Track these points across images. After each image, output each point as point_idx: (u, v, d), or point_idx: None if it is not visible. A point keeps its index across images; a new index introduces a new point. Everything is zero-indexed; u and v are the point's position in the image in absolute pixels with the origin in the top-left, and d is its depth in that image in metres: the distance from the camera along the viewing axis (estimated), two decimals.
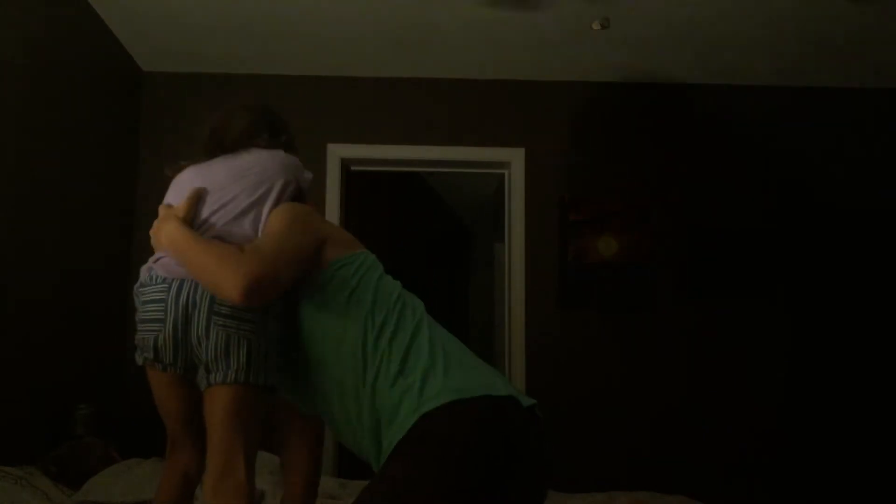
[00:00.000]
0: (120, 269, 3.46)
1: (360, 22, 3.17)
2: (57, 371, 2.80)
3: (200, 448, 1.50)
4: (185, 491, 1.53)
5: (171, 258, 1.38)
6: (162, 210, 1.42)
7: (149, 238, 1.43)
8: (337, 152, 3.64)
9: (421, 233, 5.59)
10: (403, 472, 1.14)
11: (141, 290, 1.40)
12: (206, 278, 1.27)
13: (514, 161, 3.72)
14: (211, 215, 1.41)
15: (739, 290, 3.64)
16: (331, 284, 1.35)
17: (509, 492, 1.16)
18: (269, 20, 3.17)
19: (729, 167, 3.74)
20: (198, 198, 1.40)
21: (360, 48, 3.43)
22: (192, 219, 1.38)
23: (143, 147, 3.66)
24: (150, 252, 1.46)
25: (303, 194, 1.57)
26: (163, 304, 1.34)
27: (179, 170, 1.53)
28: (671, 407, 3.58)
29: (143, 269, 1.42)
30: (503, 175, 3.90)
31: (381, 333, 1.30)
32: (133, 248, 3.56)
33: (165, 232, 1.35)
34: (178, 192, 1.48)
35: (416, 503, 1.10)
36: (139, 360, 1.42)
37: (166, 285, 1.35)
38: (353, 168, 3.80)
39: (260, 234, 1.40)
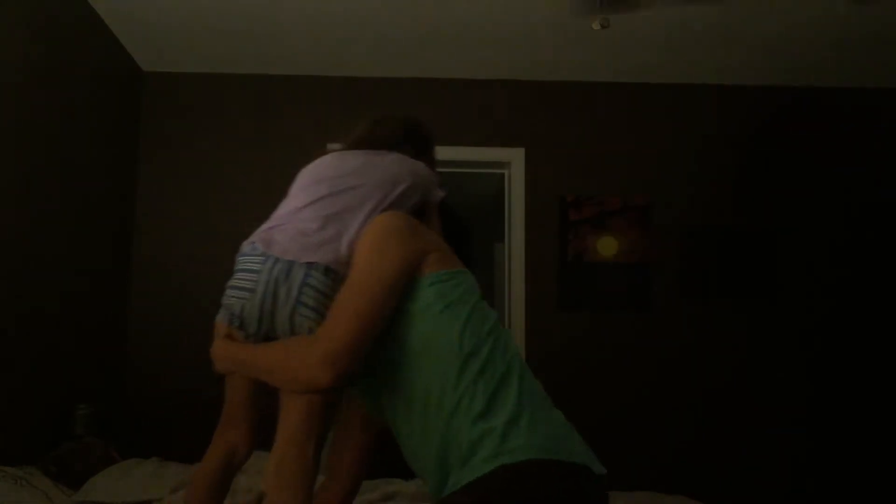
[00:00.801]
0: (120, 270, 3.46)
1: (361, 22, 3.17)
2: (57, 371, 2.80)
3: (252, 433, 1.47)
4: (226, 473, 1.47)
5: (273, 232, 1.39)
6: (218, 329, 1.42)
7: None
8: None
9: None
10: None
11: (240, 258, 1.41)
12: (283, 376, 1.26)
13: (514, 161, 3.72)
14: (330, 195, 1.42)
15: (739, 290, 3.64)
16: (421, 300, 1.28)
17: None
18: (269, 20, 3.17)
19: (729, 167, 3.74)
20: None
21: (360, 48, 3.43)
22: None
23: (143, 147, 3.66)
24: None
25: (428, 210, 1.55)
26: (255, 276, 1.35)
27: (326, 152, 1.59)
28: (671, 407, 3.57)
29: (245, 242, 1.43)
30: (503, 175, 3.90)
31: (467, 364, 1.23)
32: (133, 248, 3.56)
33: (218, 351, 1.37)
34: (317, 166, 1.53)
35: None
36: (221, 319, 1.41)
37: (263, 258, 1.35)
38: None
39: (354, 237, 1.37)
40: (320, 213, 1.40)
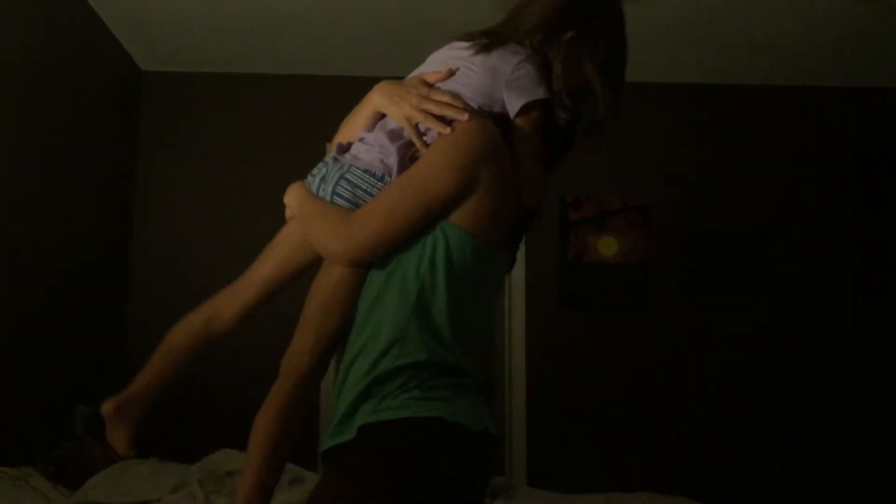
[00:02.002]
0: (120, 269, 3.46)
1: (360, 22, 3.17)
2: (57, 371, 2.80)
3: (241, 311, 1.43)
4: (200, 335, 1.46)
5: (353, 146, 1.39)
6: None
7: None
8: None
9: None
10: (337, 489, 1.14)
11: None
12: (318, 243, 1.28)
13: None
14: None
15: (739, 290, 3.64)
16: (405, 247, 1.20)
17: None
18: (269, 20, 3.16)
19: (729, 167, 3.74)
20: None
21: (360, 48, 3.42)
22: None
23: (143, 147, 3.65)
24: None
25: (513, 132, 1.23)
26: (314, 175, 1.40)
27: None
28: (671, 407, 3.57)
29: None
30: None
31: (389, 349, 1.19)
32: (132, 247, 3.55)
33: (294, 188, 1.38)
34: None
35: None
36: None
37: (325, 163, 1.39)
38: None
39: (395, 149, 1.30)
40: (378, 127, 1.38)
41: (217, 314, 1.44)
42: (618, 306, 3.62)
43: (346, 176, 1.33)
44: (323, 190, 1.36)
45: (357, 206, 1.29)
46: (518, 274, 3.63)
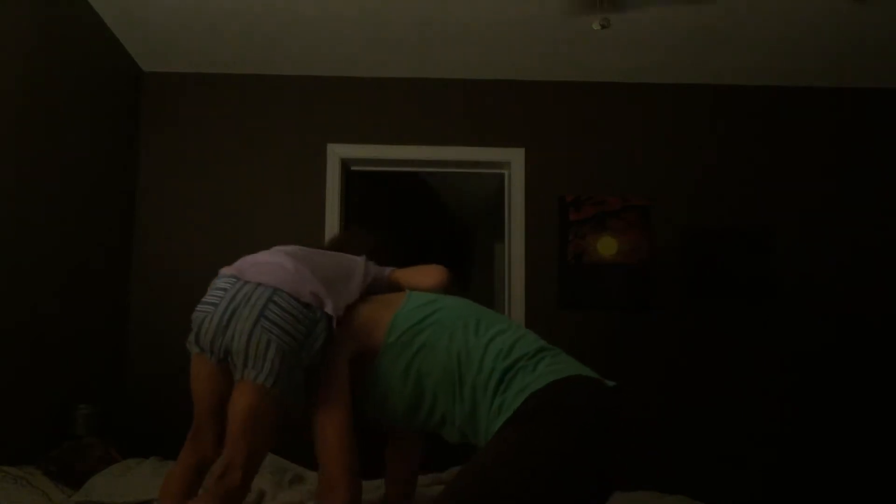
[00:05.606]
0: (120, 269, 3.46)
1: (360, 22, 3.18)
2: (57, 371, 2.80)
3: (218, 440, 1.59)
4: (195, 478, 1.60)
5: (245, 264, 1.55)
6: None
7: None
8: (337, 152, 3.64)
9: (421, 233, 5.59)
10: (517, 444, 1.32)
11: (216, 279, 1.54)
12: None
13: (514, 161, 3.72)
14: (303, 254, 1.65)
15: (739, 290, 3.64)
16: (387, 358, 1.54)
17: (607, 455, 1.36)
18: (269, 20, 3.17)
19: (729, 167, 3.74)
20: None
21: (360, 48, 3.43)
22: None
23: (143, 147, 3.66)
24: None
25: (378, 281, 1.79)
26: (223, 293, 1.47)
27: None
28: (671, 407, 3.58)
29: (222, 269, 1.56)
30: (503, 175, 3.90)
31: (462, 378, 1.49)
32: (133, 247, 3.56)
33: None
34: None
35: (534, 466, 1.28)
36: (189, 344, 1.56)
37: (234, 280, 1.49)
38: (353, 168, 3.80)
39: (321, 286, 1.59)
40: (293, 259, 1.56)
41: (204, 454, 1.61)
42: (618, 306, 3.62)
43: (275, 300, 1.45)
44: (234, 319, 1.44)
45: (284, 329, 1.43)
46: (518, 274, 3.64)
